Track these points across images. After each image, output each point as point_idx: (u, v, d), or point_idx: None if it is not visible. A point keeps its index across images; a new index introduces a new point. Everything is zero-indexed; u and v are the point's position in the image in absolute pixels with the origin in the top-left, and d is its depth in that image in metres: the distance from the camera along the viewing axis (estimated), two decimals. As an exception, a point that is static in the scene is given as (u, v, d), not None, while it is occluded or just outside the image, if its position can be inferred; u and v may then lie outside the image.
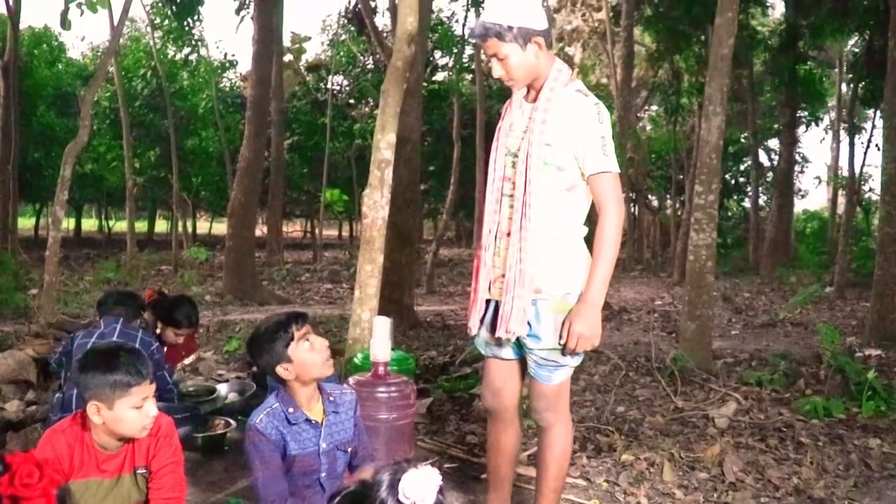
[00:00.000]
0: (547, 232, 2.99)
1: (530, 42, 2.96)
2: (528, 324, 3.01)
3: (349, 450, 3.10)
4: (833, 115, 31.04)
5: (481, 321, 3.21)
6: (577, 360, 3.12)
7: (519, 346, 3.14)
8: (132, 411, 2.60)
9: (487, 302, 3.18)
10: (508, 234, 3.06)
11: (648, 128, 32.99)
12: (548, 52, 3.03)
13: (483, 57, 16.29)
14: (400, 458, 2.99)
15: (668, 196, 30.40)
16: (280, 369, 2.92)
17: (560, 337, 2.97)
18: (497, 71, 3.04)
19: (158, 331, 5.13)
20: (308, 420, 2.98)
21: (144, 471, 2.75)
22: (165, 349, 4.98)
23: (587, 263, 3.03)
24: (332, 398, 3.08)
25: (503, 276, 3.06)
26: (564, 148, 2.96)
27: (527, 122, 3.06)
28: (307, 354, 2.93)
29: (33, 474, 1.97)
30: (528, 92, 3.15)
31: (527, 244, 2.97)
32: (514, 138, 3.09)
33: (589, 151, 2.93)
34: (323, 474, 3.01)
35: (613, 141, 3.03)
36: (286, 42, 22.30)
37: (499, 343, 3.18)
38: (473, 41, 3.20)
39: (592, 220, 3.03)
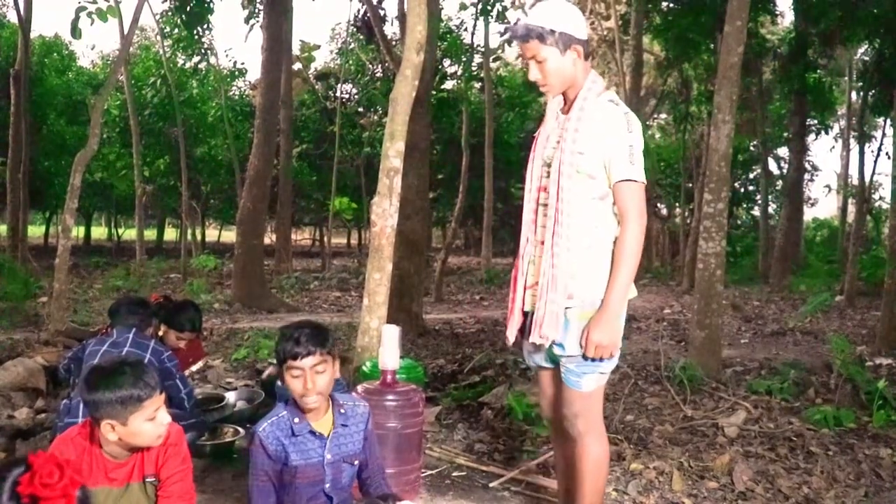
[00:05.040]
0: (580, 239, 3.02)
1: (570, 48, 3.01)
2: None
3: (356, 462, 3.09)
4: (843, 123, 31.00)
5: (521, 332, 3.24)
6: (606, 366, 3.10)
7: (552, 354, 3.16)
8: (147, 423, 2.61)
9: (526, 313, 3.20)
10: (543, 243, 3.10)
11: (657, 136, 33.00)
12: (585, 62, 3.08)
13: (501, 59, 16.21)
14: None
15: (677, 204, 30.31)
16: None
17: (580, 345, 3.01)
18: (534, 74, 3.09)
19: (161, 333, 5.14)
20: (312, 432, 2.97)
21: (153, 479, 2.75)
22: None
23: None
24: (342, 410, 3.07)
25: (536, 283, 3.10)
26: (595, 156, 2.99)
27: (560, 132, 3.10)
28: (293, 381, 2.92)
29: (53, 474, 1.98)
30: (564, 103, 3.19)
31: (560, 251, 3.00)
32: (549, 149, 3.14)
33: (616, 159, 2.97)
34: (327, 485, 3.00)
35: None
36: (295, 50, 22.34)
37: (539, 353, 3.22)
38: (514, 42, 3.26)
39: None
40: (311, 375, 2.87)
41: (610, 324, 2.96)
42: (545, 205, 3.12)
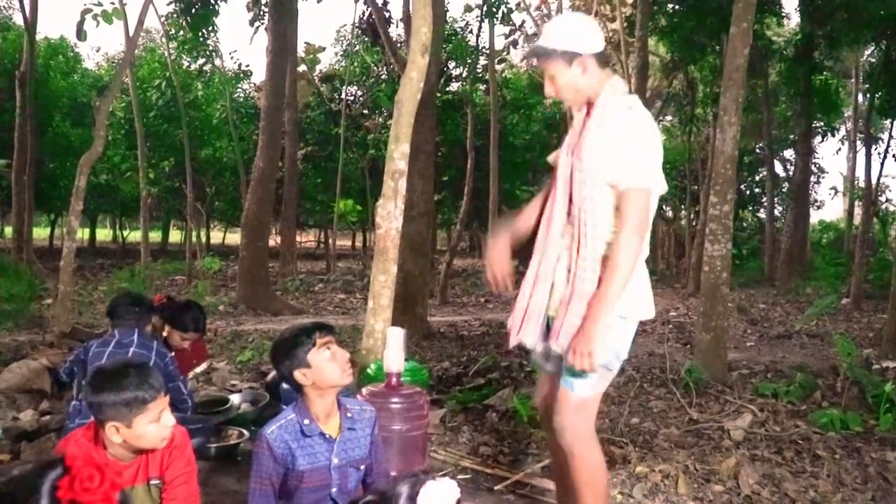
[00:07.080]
0: (603, 250, 3.00)
1: (574, 63, 3.04)
2: None
3: (362, 467, 3.08)
4: (849, 125, 30.93)
5: (538, 335, 3.22)
6: (595, 376, 3.03)
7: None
8: (151, 426, 2.60)
9: (549, 318, 3.18)
10: (569, 249, 3.09)
11: (663, 138, 32.90)
12: (601, 71, 3.11)
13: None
14: (418, 471, 2.96)
15: (682, 206, 30.29)
16: (298, 374, 2.92)
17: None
18: (548, 90, 3.16)
19: (165, 334, 5.13)
20: (322, 434, 2.96)
21: (158, 481, 2.74)
22: (174, 355, 4.96)
23: (646, 285, 3.10)
24: (349, 414, 3.06)
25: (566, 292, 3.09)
26: (611, 165, 2.97)
27: (578, 142, 3.11)
28: (326, 362, 2.92)
29: (94, 478, 1.93)
30: (587, 114, 3.19)
31: (584, 261, 3.00)
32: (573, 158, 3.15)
33: (627, 164, 2.94)
34: (334, 489, 2.98)
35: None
36: (300, 52, 22.36)
37: (546, 358, 3.23)
38: (531, 60, 3.42)
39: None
40: (340, 350, 2.99)
41: (590, 330, 2.90)
42: (570, 214, 3.11)
